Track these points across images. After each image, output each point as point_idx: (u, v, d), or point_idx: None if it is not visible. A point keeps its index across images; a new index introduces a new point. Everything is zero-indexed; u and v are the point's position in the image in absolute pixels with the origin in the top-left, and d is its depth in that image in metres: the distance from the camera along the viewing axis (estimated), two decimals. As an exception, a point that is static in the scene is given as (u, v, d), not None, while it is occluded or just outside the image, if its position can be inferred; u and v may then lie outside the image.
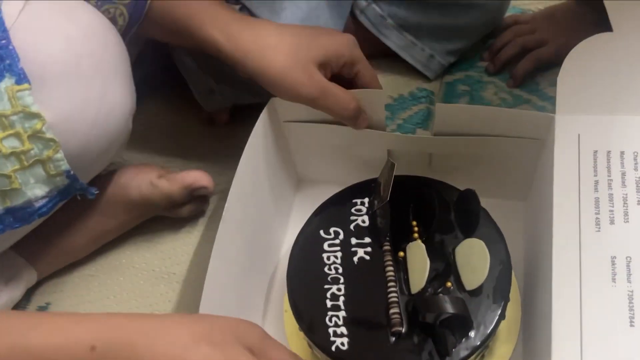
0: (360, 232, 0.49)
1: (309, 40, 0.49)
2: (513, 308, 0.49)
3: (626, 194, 0.42)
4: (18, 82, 0.41)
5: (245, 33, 0.49)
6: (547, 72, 0.67)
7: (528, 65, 0.66)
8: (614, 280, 0.39)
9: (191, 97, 0.65)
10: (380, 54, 0.67)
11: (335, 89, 0.50)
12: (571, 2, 0.68)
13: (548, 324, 0.39)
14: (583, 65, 0.46)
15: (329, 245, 0.49)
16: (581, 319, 0.38)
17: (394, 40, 0.66)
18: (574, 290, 0.39)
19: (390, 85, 0.68)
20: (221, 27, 0.49)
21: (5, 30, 0.41)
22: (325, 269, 0.48)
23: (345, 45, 0.51)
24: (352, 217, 0.50)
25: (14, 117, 0.41)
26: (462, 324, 0.42)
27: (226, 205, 0.46)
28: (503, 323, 0.48)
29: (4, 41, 0.41)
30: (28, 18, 0.42)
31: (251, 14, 0.59)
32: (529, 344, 0.46)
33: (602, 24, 0.46)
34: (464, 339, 0.42)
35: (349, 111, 0.51)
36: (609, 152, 0.44)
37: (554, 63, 0.62)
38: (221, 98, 0.62)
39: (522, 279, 0.51)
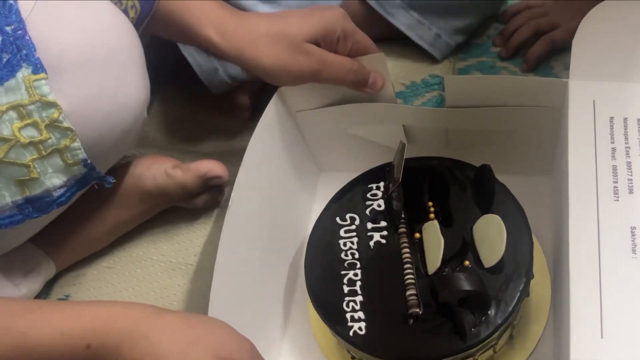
0: (376, 216, 0.49)
1: (298, 20, 0.50)
2: (543, 286, 0.48)
3: None
4: (35, 72, 0.41)
5: (238, 29, 0.49)
6: (560, 55, 0.66)
7: (541, 49, 0.65)
8: (634, 251, 0.38)
9: (206, 90, 0.65)
10: (387, 36, 0.67)
11: (334, 56, 0.50)
12: (584, -15, 0.68)
13: (567, 298, 0.38)
14: (599, 30, 0.45)
15: (345, 232, 0.49)
16: (601, 292, 0.37)
17: (400, 20, 0.66)
18: (592, 262, 0.38)
19: (402, 72, 0.68)
20: (216, 26, 0.49)
21: (21, 21, 0.41)
22: (342, 255, 0.48)
23: (335, 19, 0.50)
24: (368, 202, 0.50)
25: (32, 107, 0.42)
26: (480, 302, 0.42)
27: (232, 195, 0.46)
28: (533, 302, 0.47)
29: (20, 32, 0.41)
30: (43, 9, 0.43)
31: None
32: (559, 323, 0.45)
33: None
34: (484, 318, 0.42)
35: (354, 72, 0.50)
36: (625, 118, 0.43)
37: (567, 46, 0.61)
38: (226, 76, 0.62)
39: (551, 257, 0.50)
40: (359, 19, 0.66)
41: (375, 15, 0.66)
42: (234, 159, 0.61)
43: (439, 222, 0.46)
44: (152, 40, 0.59)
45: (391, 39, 0.68)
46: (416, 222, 0.48)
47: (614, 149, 0.43)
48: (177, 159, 0.59)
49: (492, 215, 0.45)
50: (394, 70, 0.66)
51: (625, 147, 0.43)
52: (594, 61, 0.46)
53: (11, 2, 0.42)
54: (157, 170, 0.57)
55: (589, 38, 0.46)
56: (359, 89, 0.52)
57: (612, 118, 0.44)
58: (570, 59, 0.46)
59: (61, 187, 0.45)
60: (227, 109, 0.66)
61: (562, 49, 0.66)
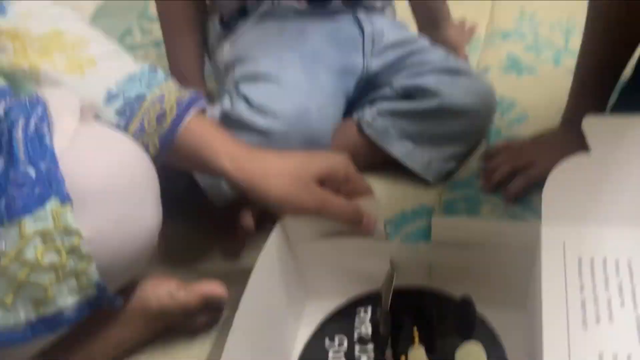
0: (363, 340, 0.52)
1: (307, 162, 0.55)
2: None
3: (610, 297, 0.46)
4: (62, 203, 0.46)
5: (250, 162, 0.55)
6: (538, 190, 0.71)
7: (518, 185, 0.71)
8: (603, 375, 0.41)
9: (209, 214, 0.70)
10: (382, 162, 0.74)
11: (334, 198, 0.55)
12: (559, 128, 0.75)
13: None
14: (565, 182, 0.52)
15: (334, 353, 0.51)
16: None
17: (396, 149, 0.74)
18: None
19: (394, 201, 0.73)
20: (230, 158, 0.55)
21: (54, 160, 0.47)
22: (330, 377, 0.50)
23: (340, 164, 0.56)
24: (356, 326, 0.53)
25: (55, 234, 0.46)
26: None
27: (234, 320, 0.49)
28: None
29: (52, 169, 0.47)
30: (75, 148, 0.49)
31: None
32: None
33: (587, 146, 0.52)
34: None
35: (349, 214, 0.55)
36: (592, 258, 0.48)
37: (543, 181, 0.67)
38: (228, 188, 0.66)
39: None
40: (357, 146, 0.74)
41: (373, 145, 0.74)
42: (233, 279, 0.65)
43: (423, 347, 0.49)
44: (161, 167, 0.65)
45: (387, 165, 0.75)
46: (401, 346, 0.50)
47: (582, 286, 0.47)
48: (179, 278, 0.62)
49: (474, 341, 0.48)
50: (386, 199, 0.72)
51: (592, 283, 0.47)
52: (563, 208, 0.52)
53: (47, 142, 0.48)
54: (162, 292, 0.59)
55: (557, 189, 0.52)
56: (353, 228, 0.57)
57: (580, 259, 0.49)
58: (542, 207, 0.53)
59: (73, 307, 0.48)
60: (230, 229, 0.69)
61: (539, 184, 0.71)
